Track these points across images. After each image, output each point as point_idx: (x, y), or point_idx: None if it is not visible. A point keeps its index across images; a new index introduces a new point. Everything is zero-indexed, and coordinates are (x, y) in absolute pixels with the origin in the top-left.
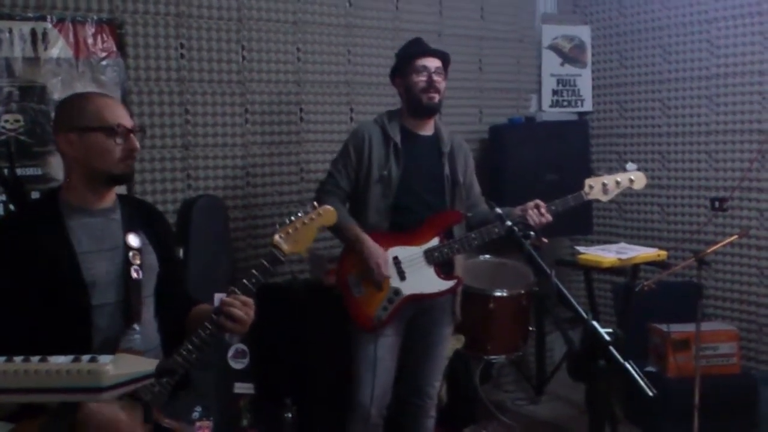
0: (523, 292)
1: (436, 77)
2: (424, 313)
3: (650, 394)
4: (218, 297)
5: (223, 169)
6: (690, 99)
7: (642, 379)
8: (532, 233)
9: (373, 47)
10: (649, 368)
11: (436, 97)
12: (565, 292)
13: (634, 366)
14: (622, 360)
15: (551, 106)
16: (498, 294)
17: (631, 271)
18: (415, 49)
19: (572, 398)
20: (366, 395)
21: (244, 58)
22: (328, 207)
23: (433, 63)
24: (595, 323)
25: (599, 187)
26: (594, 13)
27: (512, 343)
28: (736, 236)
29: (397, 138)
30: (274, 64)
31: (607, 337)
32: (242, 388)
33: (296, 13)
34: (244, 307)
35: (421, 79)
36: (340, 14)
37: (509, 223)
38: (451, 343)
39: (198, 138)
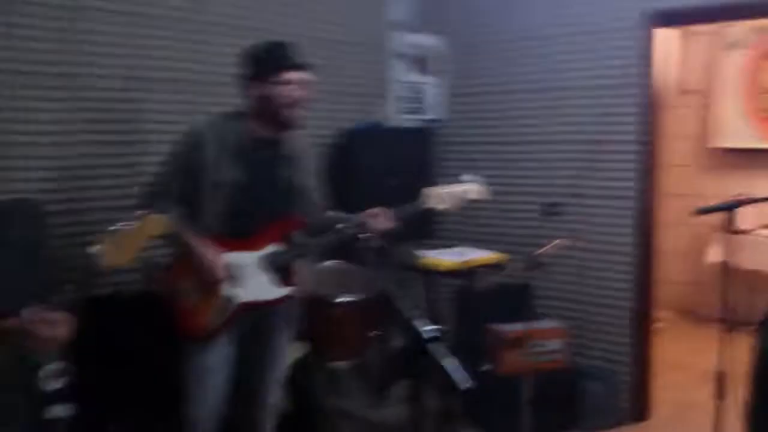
0: (368, 297)
1: (301, 92)
2: (262, 321)
3: (462, 387)
4: (26, 312)
5: (45, 171)
6: (530, 110)
7: (457, 374)
8: (370, 238)
9: (218, 45)
10: (485, 367)
11: (298, 113)
12: (395, 294)
13: (455, 362)
14: (438, 357)
15: (399, 113)
16: (342, 299)
17: (469, 273)
18: (284, 61)
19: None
20: (198, 409)
21: (75, 50)
22: (155, 216)
23: (300, 77)
24: (417, 323)
25: (437, 196)
26: (443, 23)
27: (358, 348)
28: (564, 240)
29: (237, 140)
30: (109, 58)
31: (429, 336)
32: (57, 411)
33: (137, 4)
34: (48, 325)
35: (286, 93)
36: (184, 9)
37: (344, 227)
38: (292, 351)
39: (14, 135)
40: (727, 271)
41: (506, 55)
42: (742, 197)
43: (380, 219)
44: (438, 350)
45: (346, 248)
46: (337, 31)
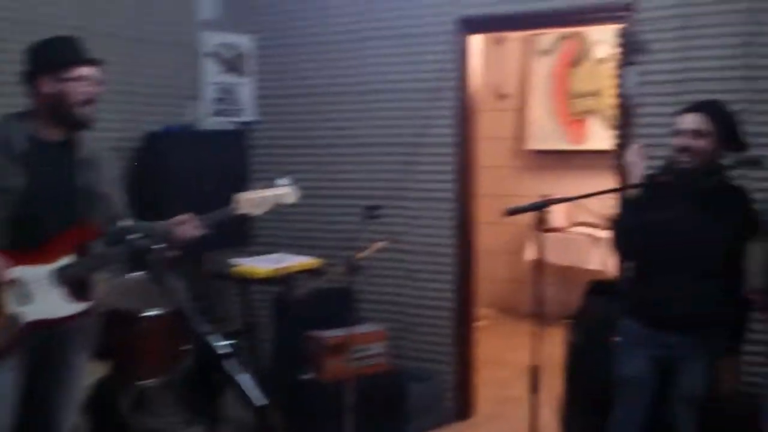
0: (176, 309)
1: (93, 89)
2: (54, 341)
3: (256, 404)
4: None
5: None
6: (347, 112)
7: (252, 391)
8: (166, 248)
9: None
10: (307, 375)
11: (90, 111)
12: (189, 307)
13: (249, 378)
14: (232, 373)
15: (211, 115)
16: (148, 313)
17: (287, 280)
18: (75, 56)
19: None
20: None
21: None
22: None
23: (92, 73)
24: (212, 337)
25: (250, 201)
26: (255, 23)
27: (167, 364)
28: (384, 242)
29: (22, 144)
30: None
31: (222, 351)
32: None
33: None
34: None
35: (78, 89)
36: None
37: (137, 237)
38: (91, 371)
39: None
40: (540, 268)
41: (322, 56)
42: (551, 197)
43: (187, 226)
44: (232, 366)
45: (144, 259)
46: (144, 30)
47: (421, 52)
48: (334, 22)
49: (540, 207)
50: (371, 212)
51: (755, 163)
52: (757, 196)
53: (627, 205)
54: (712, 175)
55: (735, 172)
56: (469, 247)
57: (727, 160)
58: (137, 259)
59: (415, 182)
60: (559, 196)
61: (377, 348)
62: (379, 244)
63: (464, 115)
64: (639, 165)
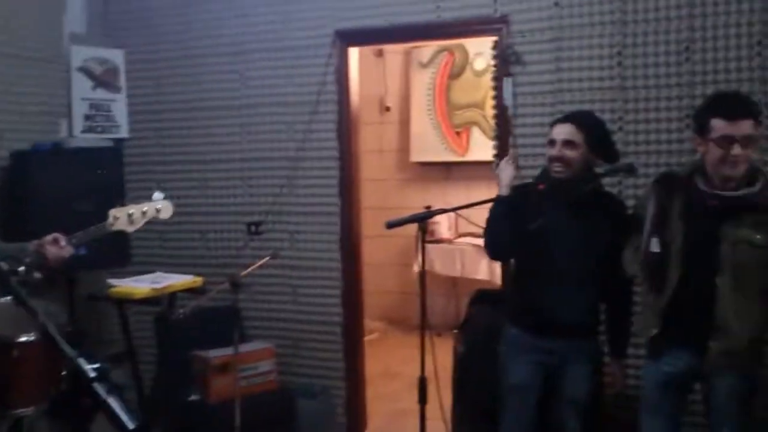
0: (45, 333)
1: None
2: None
3: (131, 428)
4: None
5: None
6: (226, 127)
7: (123, 415)
8: (32, 269)
9: None
10: (193, 396)
11: None
12: (55, 332)
13: (120, 402)
14: (102, 397)
15: (83, 132)
16: (23, 339)
17: (168, 300)
18: None
19: None
20: None
21: None
22: None
23: None
24: (80, 360)
25: (125, 217)
26: (127, 37)
27: (45, 392)
28: (268, 258)
29: None
30: None
31: (92, 374)
32: None
33: None
34: None
35: None
36: None
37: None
38: None
39: None
40: (423, 279)
41: (196, 70)
42: (432, 209)
43: (56, 246)
44: (102, 389)
45: (7, 282)
46: (11, 45)
47: (300, 65)
48: (209, 35)
49: (420, 218)
50: (254, 228)
51: (629, 170)
52: (630, 203)
53: (497, 210)
54: (586, 183)
55: (608, 180)
56: (355, 260)
57: (601, 168)
58: (1, 282)
59: (299, 197)
60: (441, 207)
61: (266, 366)
62: (263, 261)
63: (347, 127)
64: (509, 174)
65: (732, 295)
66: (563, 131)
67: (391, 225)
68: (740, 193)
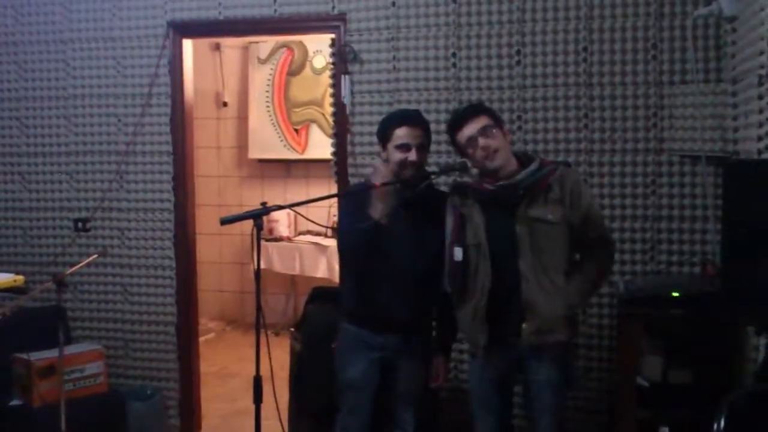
0: None
1: None
2: None
3: None
4: None
5: None
6: (49, 119)
7: None
8: None
9: None
10: (15, 401)
11: None
12: None
13: None
14: None
15: None
16: None
17: None
18: None
19: None
20: None
21: None
22: None
23: None
24: None
25: None
26: None
27: None
28: (95, 255)
29: None
30: None
31: None
32: None
33: None
34: None
35: None
36: None
37: None
38: None
39: None
40: (259, 277)
41: (23, 58)
42: (268, 205)
43: None
44: None
45: None
46: None
47: (131, 55)
48: (35, 21)
49: (255, 215)
50: (81, 225)
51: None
52: None
53: (347, 210)
54: (422, 182)
55: (441, 179)
56: (189, 258)
57: (434, 167)
58: None
59: (130, 192)
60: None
61: (94, 368)
62: (91, 258)
63: (181, 122)
64: (381, 174)
65: (535, 276)
66: (417, 135)
67: (224, 221)
68: (520, 176)
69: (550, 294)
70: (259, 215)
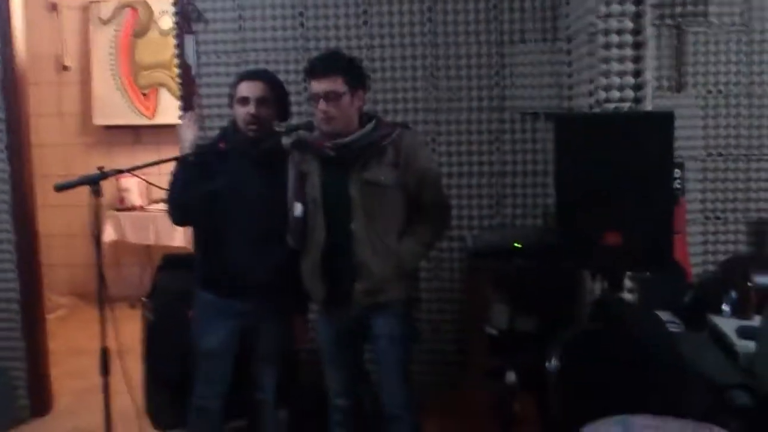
0: None
1: None
2: None
3: None
4: None
5: None
6: None
7: None
8: None
9: None
10: None
11: None
12: None
13: None
14: None
15: None
16: None
17: None
18: None
19: None
20: None
21: None
22: None
23: None
24: None
25: None
26: None
27: None
28: None
29: None
30: None
31: None
32: None
33: None
34: None
35: None
36: None
37: None
38: None
39: None
40: (100, 245)
41: None
42: (106, 170)
43: None
44: None
45: None
46: None
47: None
48: None
49: (92, 180)
50: None
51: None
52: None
53: (181, 173)
54: (268, 141)
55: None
56: (30, 232)
57: (280, 125)
58: None
59: None
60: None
61: None
62: None
63: (13, 87)
64: (190, 133)
65: (367, 237)
66: (257, 89)
67: (59, 187)
68: (353, 137)
69: (381, 255)
70: (96, 181)
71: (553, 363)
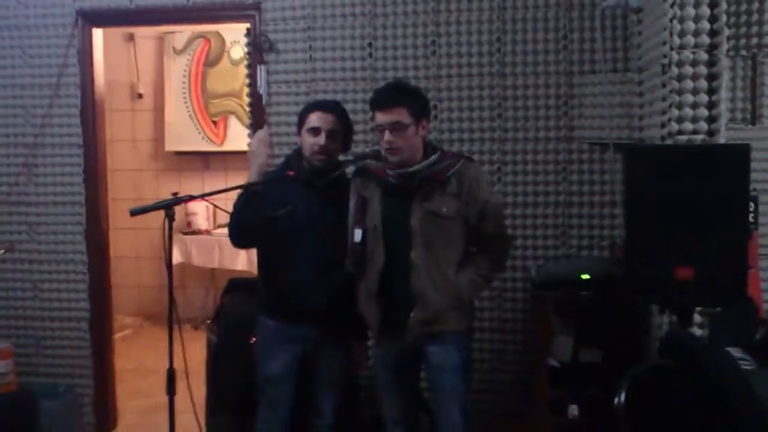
0: None
1: None
2: None
3: None
4: None
5: None
6: None
7: None
8: None
9: None
10: None
11: None
12: None
13: None
14: None
15: None
16: None
17: None
18: None
19: None
20: None
21: None
22: None
23: None
24: None
25: None
26: None
27: None
28: (3, 251)
29: None
30: None
31: None
32: None
33: None
34: None
35: None
36: None
37: None
38: None
39: None
40: (170, 268)
41: None
42: (179, 196)
43: None
44: None
45: None
46: None
47: (38, 45)
48: None
49: (166, 205)
50: None
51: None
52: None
53: (244, 197)
54: (335, 170)
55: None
56: (102, 253)
57: (346, 155)
58: None
59: (39, 186)
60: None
61: (2, 367)
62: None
63: (92, 114)
64: (263, 149)
65: (426, 268)
66: (328, 121)
67: (134, 212)
68: (416, 167)
69: (439, 286)
70: (169, 205)
71: (621, 398)
